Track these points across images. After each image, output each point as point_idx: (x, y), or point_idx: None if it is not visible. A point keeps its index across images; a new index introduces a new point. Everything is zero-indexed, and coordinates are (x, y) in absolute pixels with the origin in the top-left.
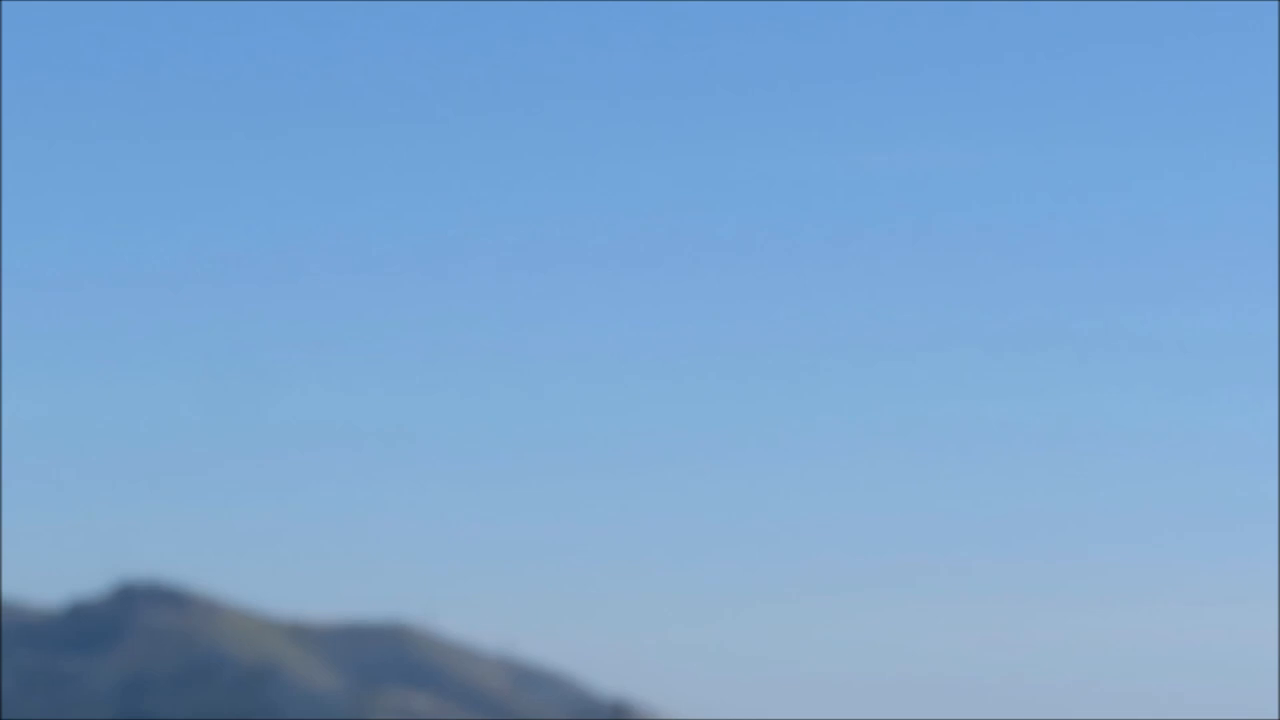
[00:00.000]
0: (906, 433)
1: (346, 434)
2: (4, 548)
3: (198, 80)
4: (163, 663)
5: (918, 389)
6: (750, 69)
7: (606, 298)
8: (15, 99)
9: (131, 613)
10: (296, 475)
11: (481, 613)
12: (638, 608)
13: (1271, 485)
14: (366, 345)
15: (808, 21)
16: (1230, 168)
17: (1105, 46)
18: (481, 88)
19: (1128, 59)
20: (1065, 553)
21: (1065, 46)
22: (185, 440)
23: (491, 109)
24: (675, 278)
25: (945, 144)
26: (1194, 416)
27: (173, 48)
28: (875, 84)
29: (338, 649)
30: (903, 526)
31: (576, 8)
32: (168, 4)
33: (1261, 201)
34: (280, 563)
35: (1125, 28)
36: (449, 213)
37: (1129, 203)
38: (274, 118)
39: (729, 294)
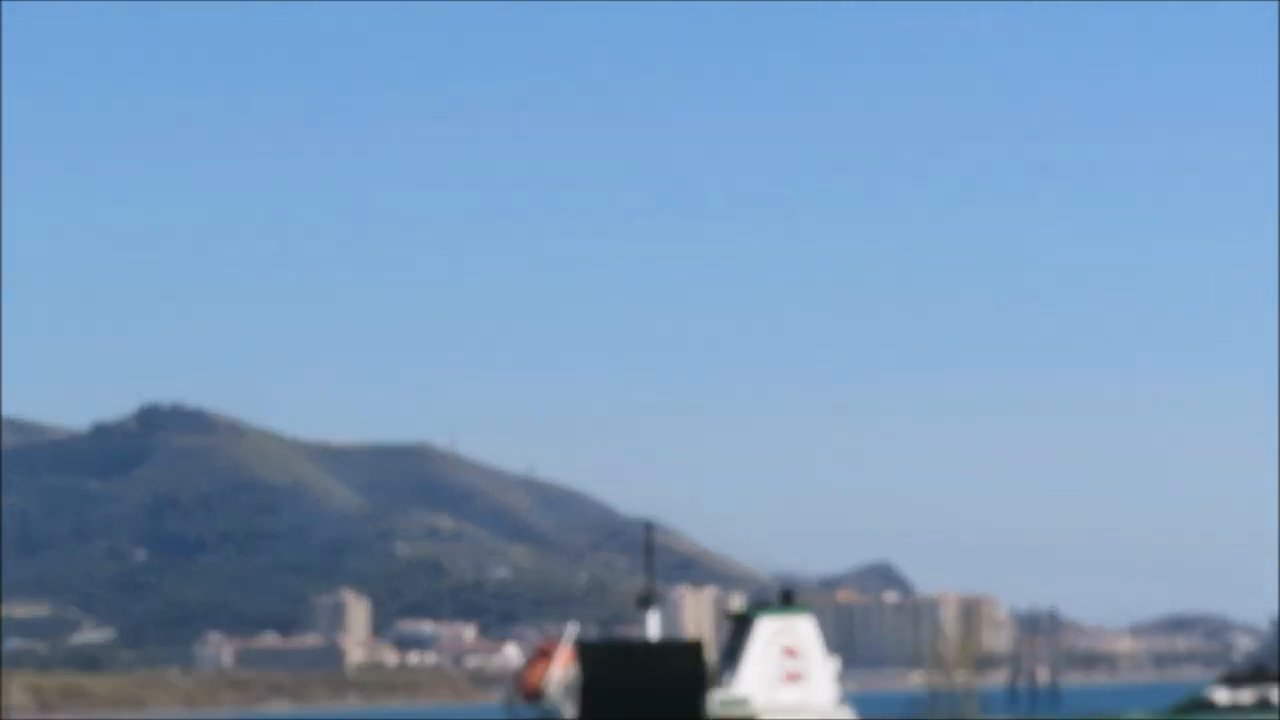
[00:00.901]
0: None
1: (364, 260)
2: (29, 373)
3: None
4: (187, 484)
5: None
6: None
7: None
8: None
9: (155, 435)
10: (315, 297)
11: (505, 435)
12: (661, 428)
13: None
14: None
15: None
16: None
17: None
18: None
19: None
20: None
21: None
22: (208, 264)
23: None
24: None
25: None
26: None
27: None
28: None
29: (361, 470)
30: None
31: None
32: None
33: None
34: (305, 385)
35: None
36: None
37: None
38: None
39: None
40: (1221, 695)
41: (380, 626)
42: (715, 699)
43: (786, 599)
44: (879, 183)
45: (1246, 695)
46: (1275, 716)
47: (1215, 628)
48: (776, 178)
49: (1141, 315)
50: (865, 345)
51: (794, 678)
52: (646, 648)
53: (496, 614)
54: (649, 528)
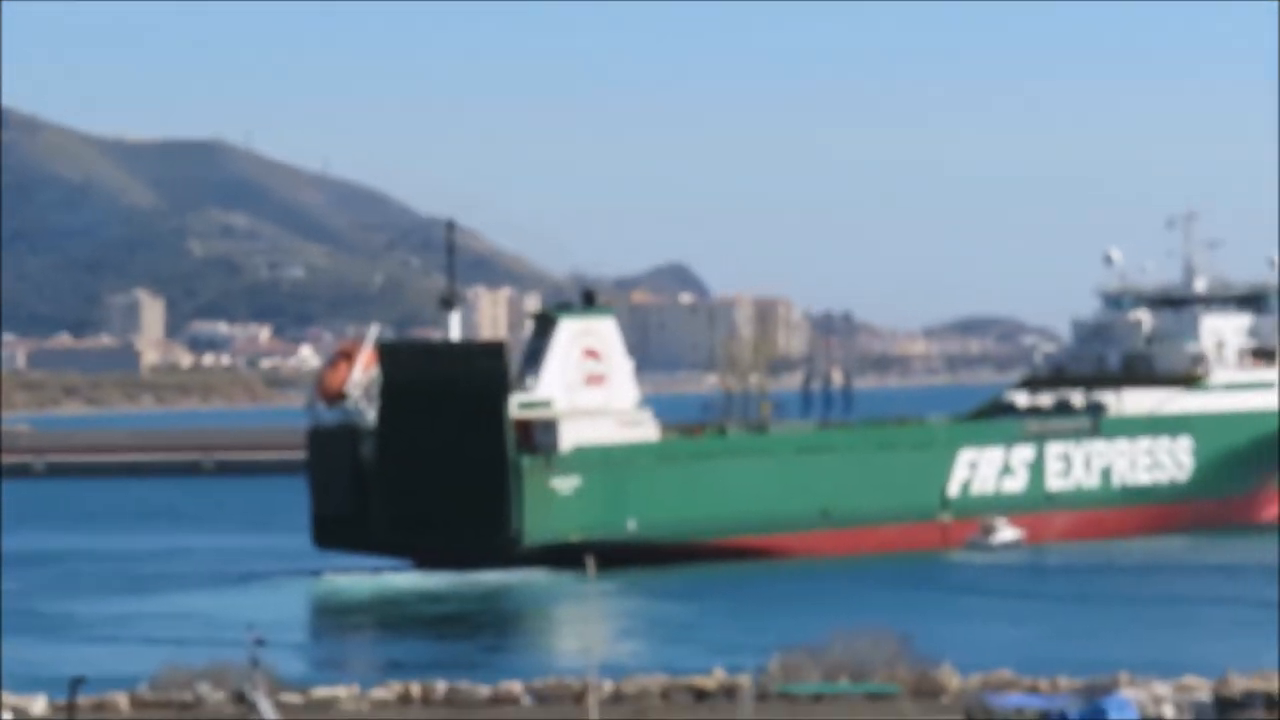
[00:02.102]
0: None
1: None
2: None
3: None
4: None
5: None
6: None
7: None
8: None
9: None
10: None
11: (300, 132)
12: (454, 127)
13: None
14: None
15: None
16: None
17: None
18: None
19: None
20: None
21: None
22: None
23: None
24: None
25: None
26: None
27: None
28: None
29: (155, 166)
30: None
31: None
32: None
33: None
34: (101, 80)
35: None
36: None
37: None
38: None
39: None
40: (1021, 398)
41: (174, 327)
42: (517, 400)
43: (588, 300)
44: None
45: (1046, 398)
46: (1077, 418)
47: (1008, 330)
48: None
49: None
50: (663, 51)
51: (595, 379)
52: (448, 349)
53: (291, 315)
54: (450, 227)
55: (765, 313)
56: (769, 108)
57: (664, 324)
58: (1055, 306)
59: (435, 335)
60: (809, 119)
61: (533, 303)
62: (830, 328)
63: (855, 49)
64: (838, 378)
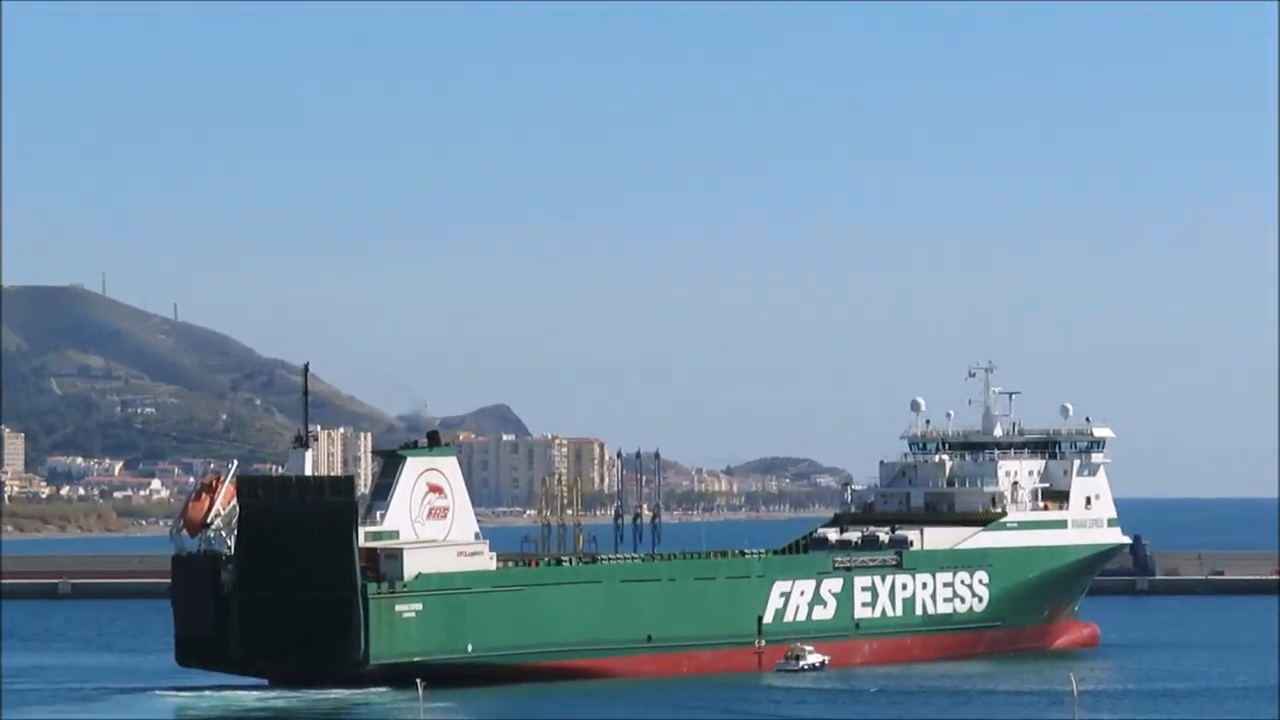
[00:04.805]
0: None
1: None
2: None
3: None
4: None
5: None
6: None
7: None
8: None
9: None
10: None
11: (152, 280)
12: (292, 272)
13: None
14: None
15: None
16: None
17: None
18: None
19: None
20: None
21: None
22: None
23: None
24: None
25: None
26: None
27: None
28: None
29: (19, 310)
30: None
31: None
32: None
33: None
34: None
35: None
36: None
37: None
38: None
39: None
40: (832, 534)
41: (34, 460)
42: (365, 531)
43: (432, 440)
44: None
45: (854, 534)
46: (883, 553)
47: (804, 470)
48: None
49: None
50: (494, 192)
51: (438, 513)
52: (302, 483)
53: (143, 450)
54: (306, 370)
55: (581, 451)
56: (581, 264)
57: (487, 462)
58: (849, 448)
59: (281, 470)
60: (619, 275)
61: (366, 442)
62: (640, 466)
63: (655, 204)
64: (647, 513)
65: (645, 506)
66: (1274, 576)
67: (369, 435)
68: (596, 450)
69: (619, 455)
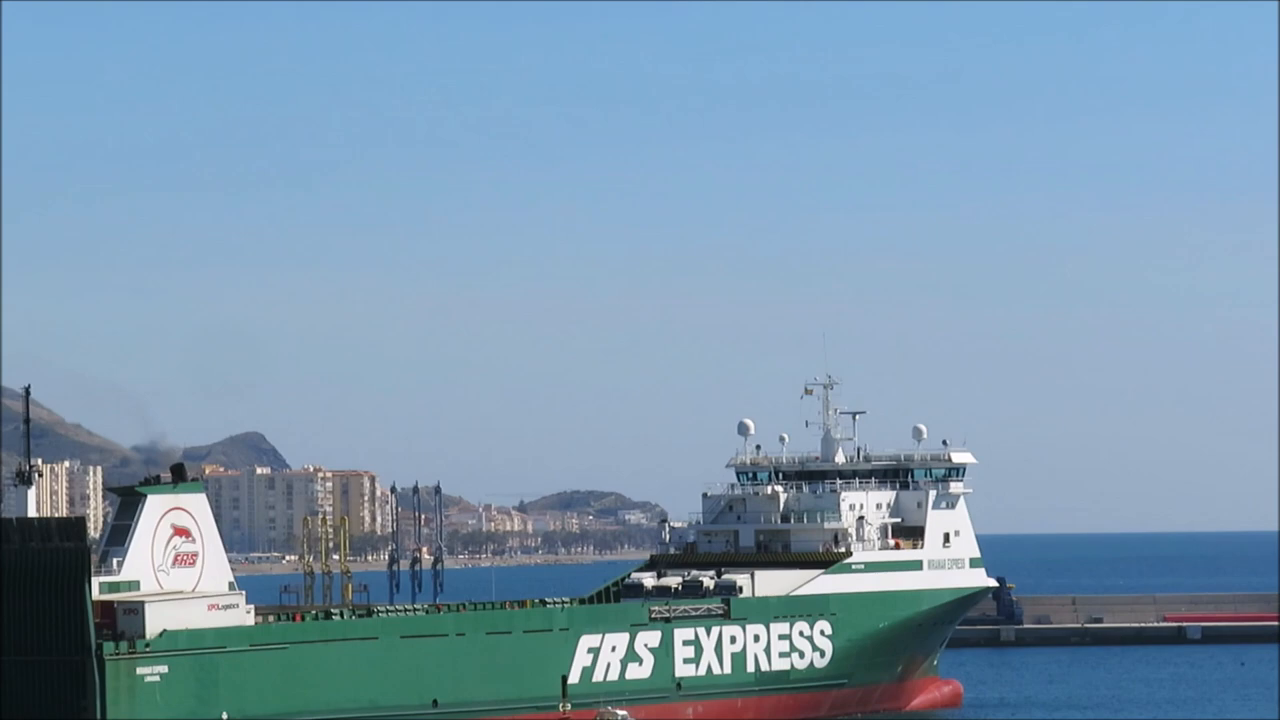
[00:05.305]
0: None
1: None
2: None
3: None
4: None
5: None
6: None
7: None
8: None
9: None
10: None
11: None
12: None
13: None
14: None
15: None
16: None
17: None
18: None
19: None
20: None
21: None
22: None
23: None
24: None
25: None
26: None
27: None
28: None
29: None
30: None
31: None
32: None
33: None
34: None
35: None
36: None
37: None
38: None
39: None
40: (648, 579)
41: None
42: (99, 582)
43: (177, 475)
44: None
45: (674, 579)
46: (707, 601)
47: (610, 505)
48: None
49: None
50: (234, 215)
51: (185, 559)
52: (25, 526)
53: None
54: (27, 394)
55: (348, 486)
56: (344, 276)
57: (238, 499)
58: (663, 480)
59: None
60: (393, 277)
61: (97, 478)
62: (417, 503)
63: (450, 213)
64: (427, 557)
65: (425, 550)
66: (1159, 624)
67: (99, 469)
68: (366, 484)
69: (393, 490)
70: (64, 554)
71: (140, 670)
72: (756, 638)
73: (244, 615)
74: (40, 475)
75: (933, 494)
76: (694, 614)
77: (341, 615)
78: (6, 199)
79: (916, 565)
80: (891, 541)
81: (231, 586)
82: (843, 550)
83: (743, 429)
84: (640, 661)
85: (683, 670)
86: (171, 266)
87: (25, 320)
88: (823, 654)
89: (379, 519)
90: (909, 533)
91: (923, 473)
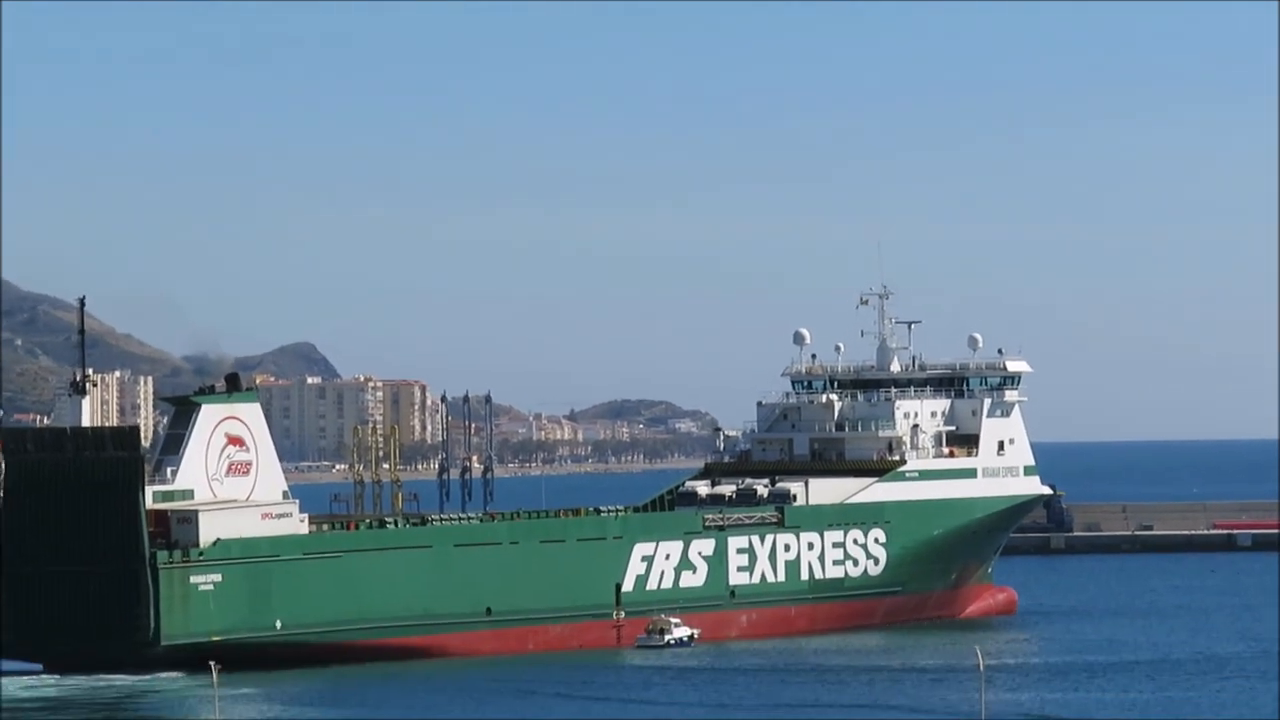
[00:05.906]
0: None
1: None
2: None
3: None
4: None
5: None
6: None
7: None
8: None
9: None
10: None
11: None
12: (60, 199)
13: None
14: None
15: None
16: None
17: None
18: None
19: None
20: None
21: None
22: None
23: None
24: None
25: None
26: None
27: None
28: None
29: None
30: None
31: None
32: None
33: None
34: None
35: None
36: None
37: None
38: None
39: None
40: (702, 488)
41: None
42: (153, 491)
43: (232, 384)
44: None
45: (728, 488)
46: (761, 509)
47: (660, 415)
48: None
49: None
50: (292, 140)
51: (239, 468)
52: (78, 436)
53: None
54: (82, 305)
55: (399, 395)
56: (396, 188)
57: (289, 409)
58: (714, 389)
59: (52, 421)
60: (444, 193)
61: (148, 387)
62: (468, 412)
63: (504, 129)
64: (477, 466)
65: (475, 458)
66: (1209, 531)
67: (150, 379)
68: (417, 394)
69: (443, 399)
70: (119, 463)
71: (194, 579)
72: (810, 546)
73: (298, 524)
74: (95, 385)
75: (987, 402)
76: (748, 522)
77: (395, 524)
78: (60, 107)
79: (971, 473)
80: (946, 450)
81: (285, 496)
82: (897, 458)
83: (798, 338)
84: (694, 570)
85: (736, 578)
86: (225, 180)
87: (80, 232)
88: (877, 562)
89: (429, 428)
90: (963, 441)
91: (978, 381)
